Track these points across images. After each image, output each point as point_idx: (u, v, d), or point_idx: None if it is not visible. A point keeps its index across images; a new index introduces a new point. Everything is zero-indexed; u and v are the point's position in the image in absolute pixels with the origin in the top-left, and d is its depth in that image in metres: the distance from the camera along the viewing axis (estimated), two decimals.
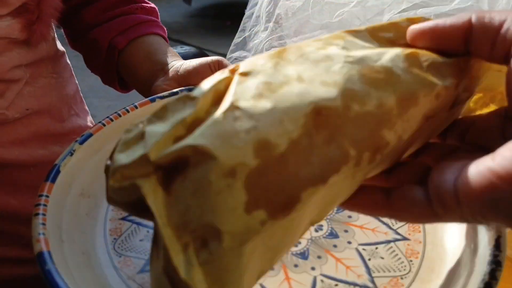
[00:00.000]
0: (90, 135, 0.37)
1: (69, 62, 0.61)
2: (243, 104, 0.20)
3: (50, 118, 0.56)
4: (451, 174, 0.20)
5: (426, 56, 0.23)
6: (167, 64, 0.51)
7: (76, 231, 0.31)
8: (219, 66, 0.47)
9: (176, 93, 0.44)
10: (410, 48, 0.24)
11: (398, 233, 0.32)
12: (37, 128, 0.55)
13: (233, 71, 0.22)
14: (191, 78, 0.47)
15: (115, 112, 0.40)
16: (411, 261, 0.29)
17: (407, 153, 0.25)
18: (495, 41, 0.21)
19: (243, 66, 0.22)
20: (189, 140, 0.19)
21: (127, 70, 0.56)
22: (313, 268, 0.29)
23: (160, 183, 0.20)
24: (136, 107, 0.41)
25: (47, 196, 0.30)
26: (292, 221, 0.20)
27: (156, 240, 0.20)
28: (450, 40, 0.23)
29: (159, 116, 0.21)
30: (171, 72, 0.49)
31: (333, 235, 0.31)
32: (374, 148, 0.21)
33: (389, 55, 0.23)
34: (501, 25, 0.21)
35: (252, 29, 0.73)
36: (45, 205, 0.30)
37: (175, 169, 0.20)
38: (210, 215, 0.19)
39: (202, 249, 0.19)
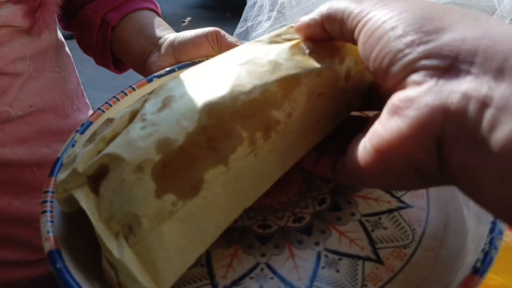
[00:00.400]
0: (90, 123, 0.36)
1: (70, 53, 0.60)
2: (149, 116, 0.26)
3: (53, 115, 0.55)
4: (352, 151, 0.25)
5: (308, 44, 0.29)
6: (160, 38, 0.49)
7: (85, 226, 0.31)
8: (217, 37, 0.43)
9: (173, 70, 0.42)
10: (297, 40, 0.29)
11: (401, 201, 0.32)
12: (41, 126, 0.54)
13: (150, 93, 0.28)
14: (187, 51, 0.44)
15: (113, 97, 0.39)
16: (414, 229, 0.30)
17: (332, 125, 0.30)
18: (341, 27, 0.26)
19: (155, 88, 0.29)
20: (105, 151, 0.25)
21: (121, 47, 0.54)
22: (317, 243, 0.29)
23: (91, 189, 0.25)
24: (134, 89, 0.40)
25: (53, 192, 0.30)
26: (205, 200, 0.25)
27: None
28: (316, 31, 0.28)
29: (90, 140, 0.27)
30: (165, 47, 0.47)
31: (336, 207, 0.32)
32: (265, 127, 0.26)
33: (276, 50, 0.29)
34: (342, 12, 0.25)
35: (255, 19, 0.72)
36: (51, 202, 0.29)
37: (101, 175, 0.25)
38: (128, 205, 0.24)
39: (129, 234, 0.24)
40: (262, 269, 0.28)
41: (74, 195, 0.25)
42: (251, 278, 0.28)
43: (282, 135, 0.27)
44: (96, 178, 0.26)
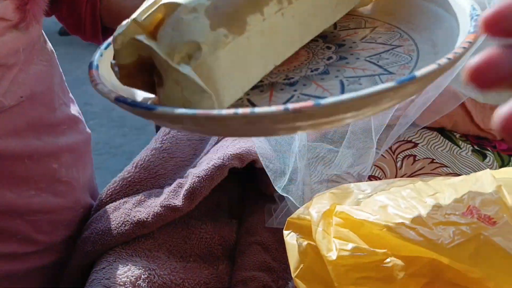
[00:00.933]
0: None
1: (53, 49, 0.60)
2: None
3: (43, 107, 0.56)
4: None
5: None
6: None
7: None
8: None
9: None
10: None
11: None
12: (32, 117, 0.54)
13: None
14: None
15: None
16: (410, 55, 0.37)
17: None
18: None
19: None
20: (162, 2, 0.30)
21: (112, 13, 0.55)
22: (336, 76, 0.36)
23: (150, 37, 0.30)
24: None
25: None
26: (249, 41, 0.31)
27: (159, 75, 0.30)
28: None
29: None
30: None
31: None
32: None
33: None
34: None
35: None
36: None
37: (157, 26, 0.30)
38: (188, 35, 0.29)
39: (190, 60, 0.29)
40: (298, 97, 0.34)
41: (136, 37, 0.30)
42: None
43: (301, 4, 0.34)
44: (155, 27, 0.30)
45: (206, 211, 0.68)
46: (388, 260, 0.43)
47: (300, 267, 0.51)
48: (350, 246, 0.45)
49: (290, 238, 0.55)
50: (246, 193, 0.73)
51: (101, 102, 2.05)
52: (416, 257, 0.41)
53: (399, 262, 0.42)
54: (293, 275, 0.51)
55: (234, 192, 0.74)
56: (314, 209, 0.51)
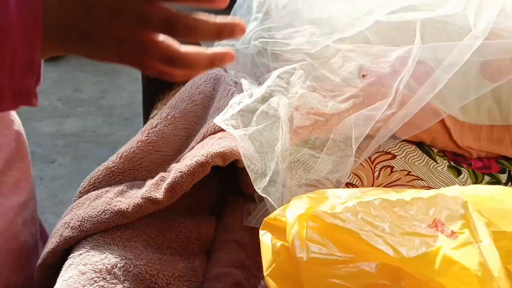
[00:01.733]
0: None
1: None
2: None
3: None
4: None
5: None
6: None
7: None
8: None
9: None
10: None
11: None
12: None
13: None
14: None
15: None
16: None
17: None
18: None
19: None
20: None
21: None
22: None
23: None
24: None
25: None
26: None
27: None
28: None
29: None
30: None
31: None
32: None
33: None
34: None
35: (242, 19, 0.73)
36: None
37: None
38: None
39: None
40: None
41: None
42: None
43: None
44: None
45: (187, 206, 0.70)
46: (355, 265, 0.44)
47: (272, 266, 0.53)
48: (321, 249, 0.47)
49: (265, 238, 0.56)
50: (227, 192, 0.75)
51: (90, 89, 2.04)
52: (382, 264, 0.43)
53: (366, 267, 0.44)
54: (265, 273, 0.53)
55: (215, 190, 0.76)
56: (290, 211, 0.53)
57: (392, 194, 0.51)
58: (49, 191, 1.59)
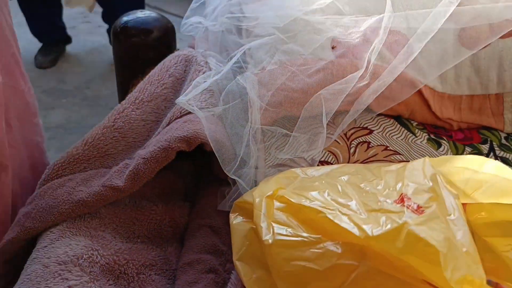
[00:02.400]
0: None
1: None
2: None
3: None
4: None
5: None
6: None
7: None
8: None
9: None
10: None
11: None
12: None
13: None
14: None
15: None
16: None
17: None
18: None
19: None
20: None
21: None
22: None
23: None
24: None
25: None
26: None
27: None
28: None
29: None
30: None
31: None
32: None
33: None
34: None
35: None
36: None
37: None
38: None
39: None
40: None
41: None
42: None
43: None
44: None
45: (159, 193, 0.67)
46: (322, 245, 0.42)
47: (241, 250, 0.51)
48: (287, 230, 0.45)
49: (235, 221, 0.54)
50: (201, 176, 0.72)
51: (74, 80, 2.00)
52: (348, 243, 0.41)
53: (332, 247, 0.42)
54: (234, 258, 0.51)
55: (190, 176, 0.73)
56: (257, 193, 0.50)
57: (361, 169, 0.49)
58: None
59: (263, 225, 0.46)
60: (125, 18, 0.86)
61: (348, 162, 0.63)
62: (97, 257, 0.55)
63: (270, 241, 0.44)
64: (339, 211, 0.42)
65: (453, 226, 0.36)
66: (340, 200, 0.43)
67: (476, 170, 0.45)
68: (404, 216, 0.37)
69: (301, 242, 0.43)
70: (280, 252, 0.43)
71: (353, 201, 0.42)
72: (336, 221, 0.41)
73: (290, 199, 0.46)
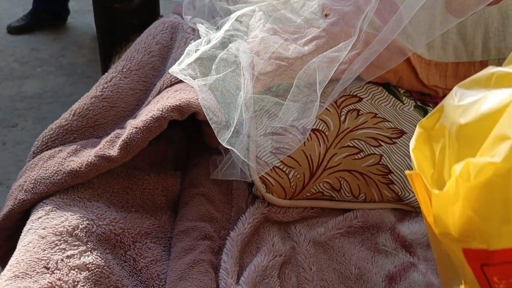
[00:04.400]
0: None
1: None
2: None
3: None
4: None
5: None
6: None
7: None
8: None
9: None
10: None
11: None
12: None
13: None
14: None
15: None
16: None
17: None
18: None
19: None
20: None
21: None
22: None
23: None
24: None
25: None
26: None
27: None
28: None
29: None
30: None
31: None
32: None
33: None
34: None
35: None
36: None
37: None
38: None
39: None
40: None
41: None
42: None
43: None
44: None
45: (150, 163, 0.67)
46: None
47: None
48: None
49: None
50: (192, 146, 0.72)
51: (49, 48, 1.94)
52: None
53: None
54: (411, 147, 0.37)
55: (180, 145, 0.73)
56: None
57: None
58: (13, 156, 1.53)
59: None
60: None
61: (338, 130, 0.64)
62: (93, 227, 0.56)
63: None
64: None
65: None
66: None
67: None
68: None
69: None
70: None
71: None
72: None
73: None
